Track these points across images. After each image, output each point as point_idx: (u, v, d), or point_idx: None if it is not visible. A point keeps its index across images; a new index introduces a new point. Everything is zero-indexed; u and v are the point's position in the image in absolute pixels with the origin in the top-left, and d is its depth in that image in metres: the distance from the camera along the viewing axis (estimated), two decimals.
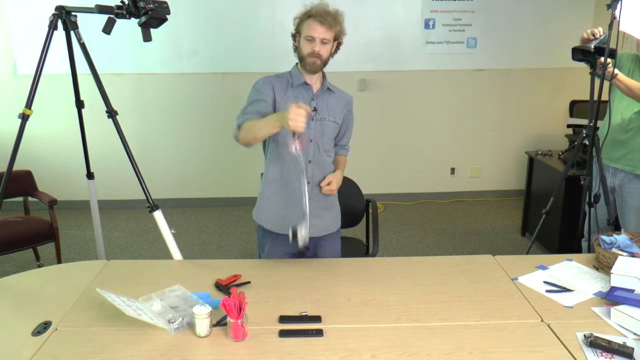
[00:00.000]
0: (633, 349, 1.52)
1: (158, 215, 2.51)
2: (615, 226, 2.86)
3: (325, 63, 2.14)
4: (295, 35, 2.14)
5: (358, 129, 4.84)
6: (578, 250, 2.92)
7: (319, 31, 2.04)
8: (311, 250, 2.25)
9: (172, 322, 1.65)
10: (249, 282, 1.97)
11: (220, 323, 1.68)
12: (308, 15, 2.06)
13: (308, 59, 2.08)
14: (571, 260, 2.16)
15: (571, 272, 2.06)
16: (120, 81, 4.72)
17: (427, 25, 4.81)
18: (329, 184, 2.17)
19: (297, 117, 1.78)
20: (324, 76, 2.22)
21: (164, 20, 2.33)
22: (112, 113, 2.56)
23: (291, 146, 1.89)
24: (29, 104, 2.50)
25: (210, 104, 4.87)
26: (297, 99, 2.12)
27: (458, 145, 5.15)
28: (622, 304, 1.73)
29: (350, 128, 2.38)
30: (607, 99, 2.71)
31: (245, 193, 4.99)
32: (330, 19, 2.04)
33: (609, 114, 2.70)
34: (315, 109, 2.16)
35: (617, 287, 1.83)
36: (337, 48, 2.16)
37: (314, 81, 2.17)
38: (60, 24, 2.53)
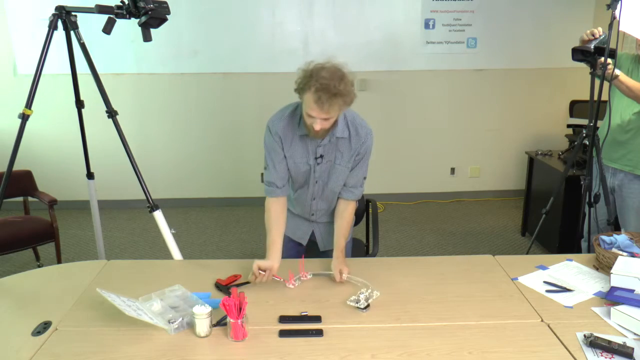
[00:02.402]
0: (633, 349, 1.52)
1: (158, 215, 2.51)
2: (615, 226, 2.86)
3: (331, 127, 1.96)
4: (299, 93, 1.90)
5: None
6: (578, 250, 2.92)
7: (317, 112, 1.84)
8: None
9: (172, 322, 1.65)
10: (248, 282, 1.97)
11: (220, 323, 1.68)
12: (309, 86, 1.81)
13: (309, 130, 1.94)
14: (571, 260, 2.16)
15: (571, 272, 2.06)
16: (120, 81, 4.72)
17: (427, 25, 4.81)
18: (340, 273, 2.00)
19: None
20: (336, 120, 1.98)
21: (164, 20, 2.33)
22: (112, 113, 2.56)
23: (286, 283, 1.98)
24: (29, 104, 2.50)
25: (210, 104, 4.87)
26: (303, 148, 2.05)
27: (458, 145, 5.15)
28: (622, 304, 1.73)
29: (362, 169, 2.13)
30: (606, 98, 2.71)
31: (245, 193, 4.99)
32: (329, 102, 1.79)
33: (608, 114, 2.70)
34: (321, 156, 2.06)
35: (617, 287, 1.83)
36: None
37: None
38: (60, 24, 2.53)
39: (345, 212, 2.16)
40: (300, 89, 1.86)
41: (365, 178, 2.19)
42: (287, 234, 2.28)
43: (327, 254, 2.29)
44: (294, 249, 2.35)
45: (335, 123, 1.98)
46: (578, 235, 2.90)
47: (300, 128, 2.01)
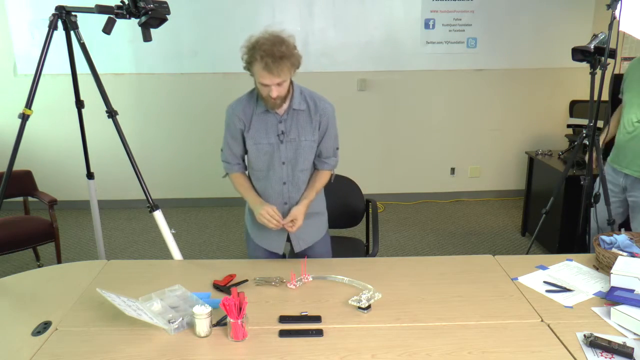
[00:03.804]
0: (633, 349, 1.52)
1: (158, 215, 2.51)
2: (625, 226, 2.86)
3: (287, 94, 2.02)
4: (249, 68, 1.96)
5: (358, 129, 4.86)
6: (578, 250, 2.92)
7: (269, 79, 1.89)
8: (302, 255, 2.27)
9: (172, 322, 1.65)
10: (246, 281, 1.98)
11: (220, 323, 1.68)
12: (254, 57, 1.89)
13: (267, 101, 1.99)
14: (571, 260, 2.16)
15: (571, 272, 2.06)
16: (120, 81, 4.72)
17: (427, 25, 4.81)
18: (292, 221, 2.08)
19: (263, 220, 2.06)
20: (292, 93, 2.07)
21: (164, 20, 2.33)
22: (112, 113, 2.56)
23: (288, 284, 1.98)
24: (29, 104, 2.50)
25: (210, 104, 4.87)
26: (263, 126, 2.08)
27: (458, 145, 5.15)
28: (622, 304, 1.73)
29: (331, 139, 2.17)
30: (606, 99, 2.72)
31: None
32: (276, 65, 1.85)
33: (609, 116, 2.71)
34: (282, 132, 2.08)
35: (617, 287, 1.83)
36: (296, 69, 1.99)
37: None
38: (60, 24, 2.53)
39: (318, 176, 2.20)
40: (248, 63, 1.94)
41: (337, 149, 2.23)
42: (263, 246, 2.28)
43: (300, 255, 2.26)
44: (269, 253, 2.32)
45: (291, 95, 2.05)
46: (581, 233, 2.90)
47: (259, 105, 2.06)
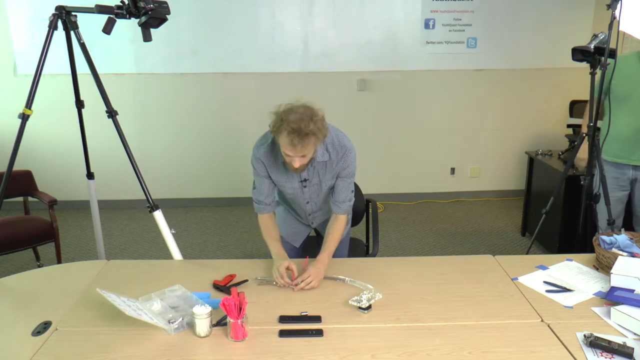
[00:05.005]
0: (633, 349, 1.52)
1: (158, 215, 2.51)
2: (625, 227, 2.87)
3: (311, 161, 2.01)
4: (274, 135, 1.94)
5: (358, 129, 4.85)
6: (578, 250, 2.92)
7: (293, 152, 1.89)
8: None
9: (172, 322, 1.65)
10: (246, 281, 1.98)
11: (220, 323, 1.68)
12: (281, 130, 1.85)
13: (291, 167, 1.99)
14: (571, 260, 2.16)
15: (571, 272, 2.06)
16: (120, 81, 4.72)
17: (427, 25, 4.81)
18: (305, 279, 1.94)
19: (276, 274, 1.98)
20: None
21: (164, 20, 2.33)
22: (112, 113, 2.55)
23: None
24: (29, 104, 2.50)
25: (210, 104, 4.87)
26: (285, 175, 2.12)
27: (458, 145, 5.15)
28: (622, 304, 1.73)
29: (347, 181, 2.16)
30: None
31: (245, 193, 4.98)
32: (302, 142, 1.83)
33: (608, 115, 2.70)
34: (305, 179, 2.14)
35: (617, 287, 1.83)
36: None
37: None
38: (60, 24, 2.53)
39: (336, 224, 2.19)
40: (274, 132, 1.91)
41: (353, 191, 2.24)
42: (282, 234, 2.32)
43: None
44: (288, 253, 2.34)
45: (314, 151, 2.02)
46: (578, 235, 2.90)
47: (282, 158, 2.04)
